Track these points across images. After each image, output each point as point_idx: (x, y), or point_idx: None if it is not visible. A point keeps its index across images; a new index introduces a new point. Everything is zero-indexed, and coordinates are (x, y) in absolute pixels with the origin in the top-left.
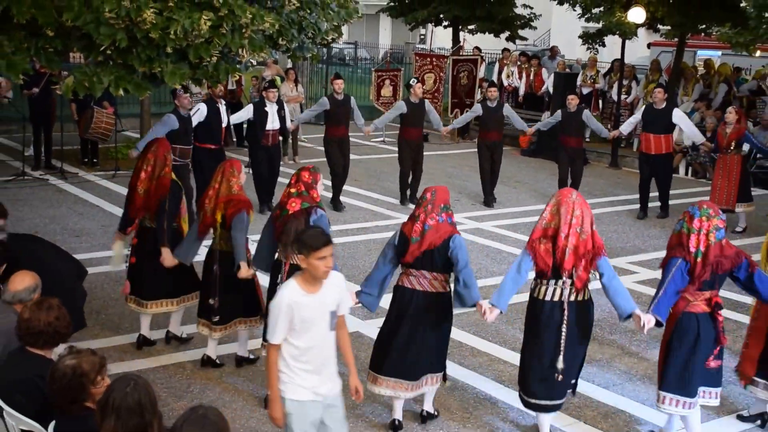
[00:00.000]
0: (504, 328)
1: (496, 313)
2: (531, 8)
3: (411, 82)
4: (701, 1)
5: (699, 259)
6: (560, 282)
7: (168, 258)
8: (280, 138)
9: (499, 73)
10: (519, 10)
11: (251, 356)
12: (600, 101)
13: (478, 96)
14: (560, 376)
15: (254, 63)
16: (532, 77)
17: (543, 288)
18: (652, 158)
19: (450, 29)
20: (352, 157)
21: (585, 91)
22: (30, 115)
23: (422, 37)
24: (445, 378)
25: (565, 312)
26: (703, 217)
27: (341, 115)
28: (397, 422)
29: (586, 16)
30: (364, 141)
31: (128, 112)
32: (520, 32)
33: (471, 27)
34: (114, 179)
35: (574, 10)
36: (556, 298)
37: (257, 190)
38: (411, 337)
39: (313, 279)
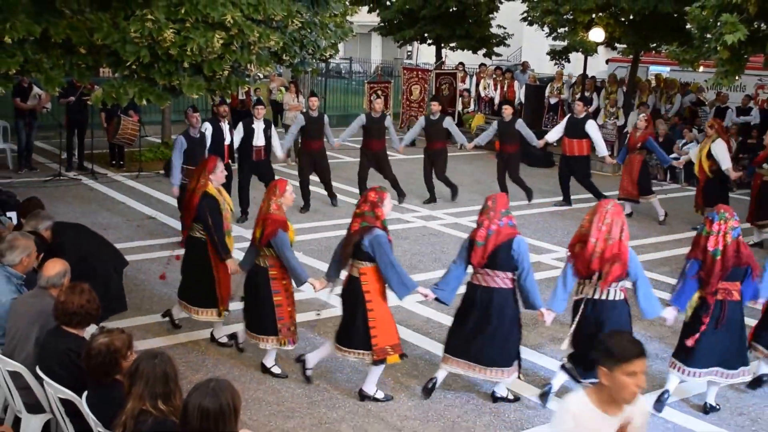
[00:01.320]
0: None
1: (552, 316)
2: (504, 28)
3: (371, 98)
4: (652, 22)
5: (718, 258)
6: (591, 281)
7: (233, 267)
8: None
9: (477, 85)
10: (494, 30)
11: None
12: (566, 110)
13: (459, 106)
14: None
15: (261, 76)
16: (505, 89)
17: (579, 287)
18: (568, 158)
19: (433, 46)
20: (346, 159)
21: (552, 101)
22: (65, 123)
23: (409, 53)
24: (519, 375)
25: (587, 307)
26: (720, 221)
27: (315, 131)
28: (431, 384)
29: (553, 35)
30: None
31: (151, 119)
32: (495, 49)
33: (452, 44)
34: (138, 179)
35: (543, 30)
36: (589, 296)
37: (239, 199)
38: (478, 326)
39: (613, 399)
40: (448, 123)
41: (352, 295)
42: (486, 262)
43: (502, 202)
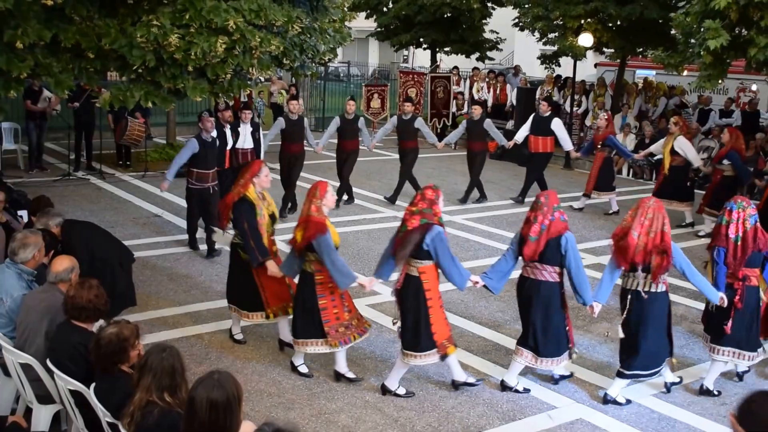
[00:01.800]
0: (471, 306)
1: (599, 307)
2: (497, 33)
3: (347, 99)
4: (639, 28)
5: (739, 243)
6: (635, 274)
7: (272, 268)
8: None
9: (470, 87)
10: (487, 35)
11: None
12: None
13: (453, 108)
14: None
15: (262, 79)
16: (498, 91)
17: (625, 279)
18: (532, 155)
19: (429, 51)
20: None
21: None
22: (74, 124)
23: (405, 57)
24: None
25: (633, 299)
26: (739, 209)
27: (296, 134)
28: (522, 388)
29: (543, 40)
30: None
31: (156, 121)
32: (488, 53)
33: (446, 49)
34: (144, 179)
35: (534, 35)
36: (634, 288)
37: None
38: (533, 319)
39: None
40: (420, 123)
41: (413, 296)
42: (535, 257)
43: (553, 198)
